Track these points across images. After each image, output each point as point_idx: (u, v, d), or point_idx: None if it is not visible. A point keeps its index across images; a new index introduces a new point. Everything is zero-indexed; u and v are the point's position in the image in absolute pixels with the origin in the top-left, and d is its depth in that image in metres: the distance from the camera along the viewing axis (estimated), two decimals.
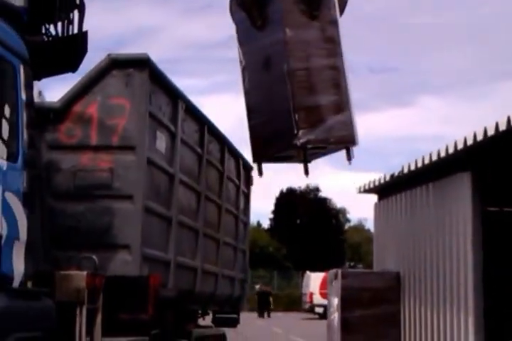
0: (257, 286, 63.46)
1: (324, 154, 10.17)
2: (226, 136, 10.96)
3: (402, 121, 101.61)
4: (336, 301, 12.39)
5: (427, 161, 11.00)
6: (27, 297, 5.55)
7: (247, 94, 9.93)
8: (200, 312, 11.15)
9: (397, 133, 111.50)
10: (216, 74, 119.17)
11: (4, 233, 5.34)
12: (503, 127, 8.88)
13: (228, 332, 11.81)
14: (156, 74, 7.97)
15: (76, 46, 7.22)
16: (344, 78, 9.62)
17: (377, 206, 13.83)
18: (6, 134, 5.45)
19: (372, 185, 13.51)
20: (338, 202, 69.97)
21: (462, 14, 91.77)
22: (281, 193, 71.12)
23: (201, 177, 9.68)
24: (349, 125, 9.48)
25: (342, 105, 9.44)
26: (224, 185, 10.83)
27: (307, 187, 70.91)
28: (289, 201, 68.77)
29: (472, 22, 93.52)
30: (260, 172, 10.01)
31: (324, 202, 69.35)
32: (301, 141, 9.23)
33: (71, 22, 7.25)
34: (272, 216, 72.29)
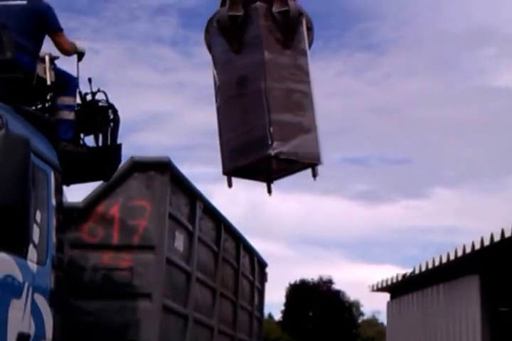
0: None
1: (288, 174, 10.48)
2: (241, 234, 11.26)
3: (415, 212, 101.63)
4: None
5: (437, 263, 11.25)
6: None
7: (220, 110, 10.34)
8: None
9: (411, 225, 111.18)
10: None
11: (32, 333, 5.58)
12: (508, 233, 9.15)
13: None
14: (176, 177, 8.32)
15: (111, 157, 7.58)
16: (312, 103, 10.30)
17: (389, 304, 13.97)
18: (37, 238, 5.76)
19: (384, 284, 13.69)
20: (352, 294, 69.16)
21: (474, 108, 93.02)
22: (293, 285, 70.73)
23: (217, 275, 9.92)
24: (316, 145, 10.07)
25: (309, 126, 10.04)
26: (239, 281, 11.06)
27: (320, 279, 70.47)
28: (301, 293, 68.25)
29: (484, 116, 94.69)
30: (230, 185, 10.23)
31: (337, 294, 68.69)
32: (275, 151, 9.63)
33: (106, 134, 7.63)
34: (283, 308, 71.67)
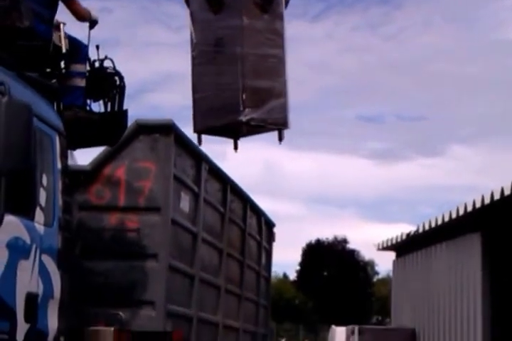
0: (283, 340, 63.06)
1: (256, 134, 10.79)
2: (248, 195, 11.44)
3: (432, 170, 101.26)
4: None
5: (439, 222, 11.41)
6: None
7: (195, 69, 10.53)
8: None
9: (428, 183, 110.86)
10: None
11: (40, 292, 5.80)
12: (507, 192, 9.29)
13: None
14: (180, 139, 8.47)
15: (117, 123, 7.76)
16: (284, 68, 10.63)
17: (395, 263, 14.20)
18: (43, 201, 5.94)
19: (389, 243, 13.89)
20: (366, 253, 69.46)
21: (492, 63, 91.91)
22: (309, 245, 71.08)
23: (223, 235, 10.12)
24: (285, 110, 10.42)
25: (281, 91, 10.35)
26: (246, 242, 11.27)
27: (335, 238, 70.84)
28: (316, 253, 68.64)
29: (502, 71, 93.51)
30: (200, 142, 10.39)
31: (352, 254, 69.06)
32: (246, 117, 9.94)
33: (113, 101, 7.81)
34: (298, 268, 72.16)
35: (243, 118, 9.92)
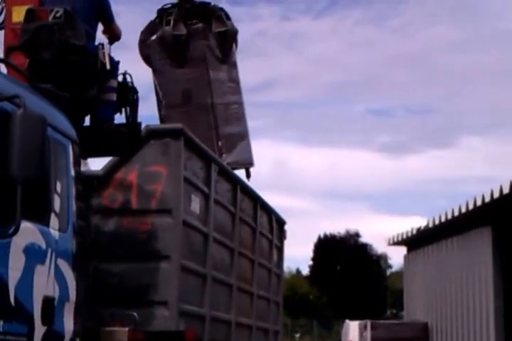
0: (297, 335, 63.10)
1: None
2: (258, 194, 11.63)
3: (444, 162, 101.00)
4: None
5: (449, 216, 11.56)
6: None
7: (165, 119, 11.35)
8: None
9: (440, 175, 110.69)
10: (250, 119, 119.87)
11: (56, 296, 6.00)
12: None
13: None
14: (190, 142, 8.66)
15: (132, 135, 8.06)
16: (244, 111, 11.93)
17: (406, 258, 14.35)
18: (57, 207, 6.15)
19: (400, 238, 14.05)
20: (379, 247, 69.53)
21: (502, 53, 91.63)
22: (321, 239, 71.13)
23: (234, 234, 10.31)
24: (250, 149, 11.76)
25: (244, 133, 11.63)
26: (257, 240, 11.46)
27: (347, 232, 70.88)
28: (328, 247, 68.68)
29: (511, 61, 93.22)
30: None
31: (365, 247, 69.09)
32: (224, 163, 10.64)
33: (132, 113, 8.18)
34: (311, 263, 72.23)
35: None
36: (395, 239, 14.32)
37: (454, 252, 12.25)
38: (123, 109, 8.15)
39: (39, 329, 5.73)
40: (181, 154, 8.37)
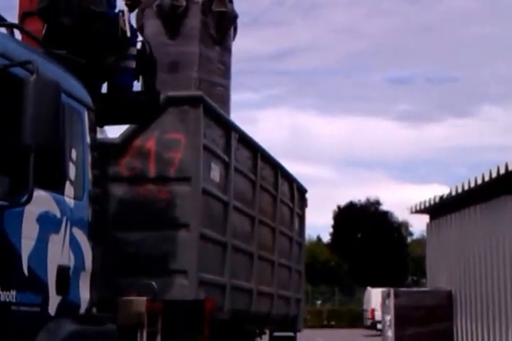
0: (319, 302, 63.26)
1: None
2: (279, 162, 11.47)
3: (463, 131, 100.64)
4: (389, 319, 12.77)
5: (472, 184, 11.38)
6: (93, 322, 6.06)
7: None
8: (257, 331, 11.66)
9: (459, 144, 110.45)
10: (269, 87, 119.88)
11: (72, 265, 5.88)
12: None
13: None
14: (209, 110, 8.50)
15: (151, 103, 7.91)
16: (229, 98, 11.99)
17: (429, 226, 14.21)
18: (73, 175, 6.01)
19: (423, 206, 13.89)
20: (400, 215, 69.37)
21: None
22: (341, 207, 71.09)
23: (255, 203, 10.18)
24: None
25: None
26: (278, 208, 11.33)
27: (367, 200, 70.76)
28: (349, 215, 68.65)
29: None
30: None
31: (385, 215, 69.00)
32: None
33: (149, 81, 8.02)
34: (331, 230, 72.29)
35: None
36: (418, 207, 14.16)
37: (477, 220, 12.07)
38: (141, 77, 7.97)
39: (54, 299, 5.62)
40: (200, 122, 8.23)
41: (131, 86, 7.78)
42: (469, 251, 12.33)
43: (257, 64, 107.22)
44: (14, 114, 5.10)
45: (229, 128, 9.18)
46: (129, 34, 7.46)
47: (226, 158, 9.03)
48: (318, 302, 66.56)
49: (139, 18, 11.70)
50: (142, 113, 7.85)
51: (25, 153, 5.08)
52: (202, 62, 11.49)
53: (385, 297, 12.98)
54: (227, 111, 11.63)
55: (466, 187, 11.79)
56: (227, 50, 11.94)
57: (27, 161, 5.08)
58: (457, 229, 12.88)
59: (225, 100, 11.75)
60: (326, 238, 74.09)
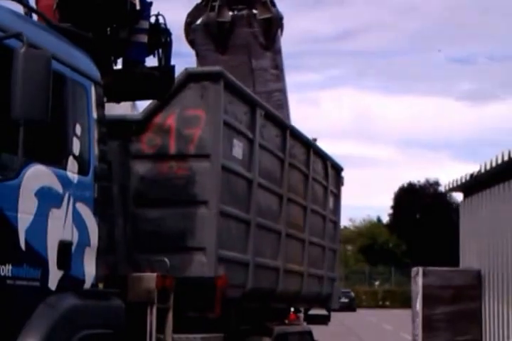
0: (376, 283, 62.97)
1: None
2: (310, 139, 11.34)
3: None
4: (418, 298, 12.64)
5: (506, 158, 11.14)
6: (97, 297, 6.06)
7: None
8: (291, 309, 11.62)
9: None
10: (332, 68, 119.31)
11: (75, 240, 5.87)
12: None
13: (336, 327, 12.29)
14: (231, 86, 8.40)
15: (166, 78, 7.83)
16: (286, 99, 12.01)
17: (462, 204, 14.03)
18: (77, 150, 5.98)
19: (455, 184, 13.69)
20: (459, 195, 68.54)
21: None
22: (401, 188, 70.66)
23: (283, 180, 10.07)
24: None
25: (286, 120, 11.21)
26: (309, 186, 11.20)
27: (427, 181, 70.21)
28: (408, 196, 68.22)
29: None
30: None
31: (444, 196, 68.34)
32: None
33: (165, 56, 7.91)
34: (391, 211, 71.92)
35: None
36: (451, 185, 13.97)
37: (509, 197, 11.79)
38: (156, 52, 7.88)
39: (54, 274, 5.62)
40: (221, 97, 8.13)
41: (144, 61, 7.68)
42: (500, 229, 12.08)
43: (319, 44, 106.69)
44: (6, 87, 5.07)
45: (254, 104, 9.08)
46: (138, 7, 7.35)
47: (250, 135, 8.93)
48: (376, 282, 66.31)
49: (187, 32, 11.91)
50: (157, 88, 7.76)
51: (14, 127, 5.05)
52: (256, 75, 11.65)
53: (415, 276, 12.82)
54: (286, 114, 11.61)
55: (497, 163, 11.54)
56: (277, 53, 11.94)
57: (16, 135, 5.05)
58: (488, 206, 12.66)
59: (282, 104, 11.82)
60: (386, 219, 73.88)
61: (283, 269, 9.94)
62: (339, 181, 13.05)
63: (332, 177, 12.51)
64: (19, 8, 6.16)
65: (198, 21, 11.91)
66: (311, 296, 11.51)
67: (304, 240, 10.96)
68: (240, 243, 8.68)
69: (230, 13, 11.94)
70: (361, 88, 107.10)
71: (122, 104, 8.51)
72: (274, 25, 11.79)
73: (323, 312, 12.64)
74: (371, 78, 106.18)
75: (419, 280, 12.44)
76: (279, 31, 12.01)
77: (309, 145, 11.26)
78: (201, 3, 11.92)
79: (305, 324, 11.93)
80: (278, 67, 11.68)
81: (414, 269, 12.97)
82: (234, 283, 8.24)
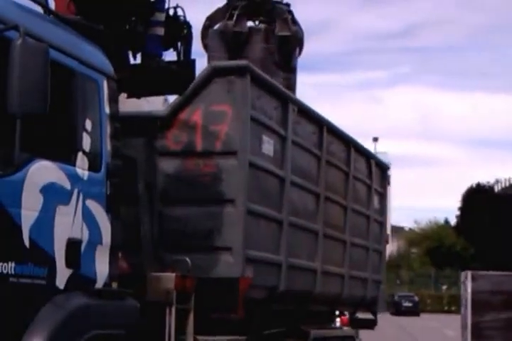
0: (444, 287, 61.83)
1: None
2: (351, 136, 11.04)
3: None
4: (467, 303, 12.21)
5: None
6: (108, 297, 5.88)
7: None
8: (336, 313, 11.35)
9: None
10: (396, 65, 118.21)
11: (85, 238, 5.71)
12: None
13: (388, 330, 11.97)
14: (259, 80, 8.18)
15: (186, 72, 7.66)
16: None
17: None
18: (87, 146, 5.83)
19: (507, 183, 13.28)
20: None
21: None
22: (469, 189, 69.51)
23: (320, 179, 9.80)
24: None
25: None
26: (350, 185, 10.90)
27: (496, 181, 68.88)
28: (476, 197, 67.04)
29: None
30: None
31: None
32: None
33: (185, 50, 7.73)
34: (458, 213, 70.82)
35: None
36: (507, 184, 13.53)
37: None
38: (175, 46, 7.70)
39: (62, 272, 5.46)
40: (247, 92, 7.92)
41: (161, 54, 7.49)
42: None
43: (382, 41, 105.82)
44: (4, 79, 4.94)
45: (285, 99, 8.84)
46: None
47: (282, 132, 8.70)
48: (444, 287, 65.25)
49: (204, 35, 11.54)
50: (176, 83, 7.58)
51: (12, 121, 4.92)
52: None
53: (464, 280, 12.40)
54: None
55: None
56: (292, 72, 11.53)
57: (13, 129, 4.92)
58: None
59: None
60: (454, 221, 72.75)
61: (321, 271, 9.66)
62: (385, 180, 12.71)
63: (377, 175, 12.18)
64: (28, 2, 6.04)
65: (216, 26, 11.55)
66: (354, 299, 11.19)
67: (344, 241, 10.67)
68: (271, 243, 8.44)
69: (249, 23, 11.58)
70: (426, 85, 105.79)
71: (154, 99, 8.39)
72: (291, 44, 11.37)
73: (369, 316, 12.31)
74: (436, 75, 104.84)
75: (468, 284, 12.02)
76: (297, 50, 11.59)
77: (350, 143, 10.97)
78: (222, 8, 11.58)
79: (348, 328, 11.62)
80: (290, 87, 11.04)
81: (463, 273, 12.59)
82: (263, 284, 8.01)
